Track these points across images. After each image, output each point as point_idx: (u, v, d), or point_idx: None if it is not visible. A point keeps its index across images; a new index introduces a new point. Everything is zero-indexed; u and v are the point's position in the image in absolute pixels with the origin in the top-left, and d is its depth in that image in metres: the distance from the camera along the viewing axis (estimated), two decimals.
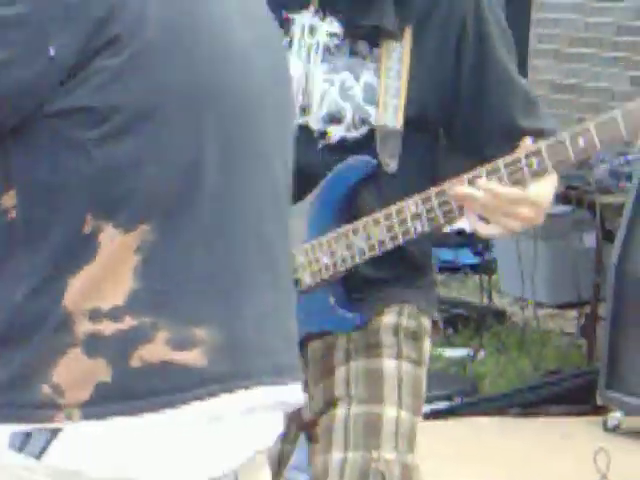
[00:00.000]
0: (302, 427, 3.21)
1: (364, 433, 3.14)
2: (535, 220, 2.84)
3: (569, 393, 6.38)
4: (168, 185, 1.73)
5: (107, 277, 1.74)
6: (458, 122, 3.05)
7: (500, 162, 2.79)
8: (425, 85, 3.05)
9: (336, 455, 3.11)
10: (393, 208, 2.93)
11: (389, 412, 3.16)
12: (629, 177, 6.34)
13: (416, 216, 2.91)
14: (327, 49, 3.11)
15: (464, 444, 5.70)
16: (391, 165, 3.03)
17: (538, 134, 2.84)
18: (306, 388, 2.87)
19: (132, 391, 1.71)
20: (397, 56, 3.15)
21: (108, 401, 1.71)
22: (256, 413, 1.91)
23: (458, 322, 7.16)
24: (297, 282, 3.09)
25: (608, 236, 6.43)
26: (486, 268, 7.44)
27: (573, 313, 7.40)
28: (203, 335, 1.78)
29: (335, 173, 3.06)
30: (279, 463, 3.23)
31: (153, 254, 1.76)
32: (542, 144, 2.74)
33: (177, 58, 1.78)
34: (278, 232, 2.01)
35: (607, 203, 6.50)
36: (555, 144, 2.76)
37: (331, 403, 3.13)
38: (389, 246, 2.98)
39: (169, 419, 1.78)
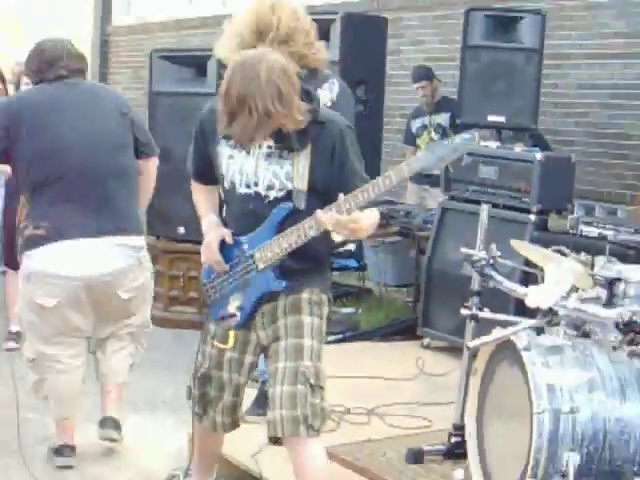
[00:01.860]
0: (261, 350, 4.34)
1: (294, 352, 4.10)
2: (360, 231, 3.93)
3: (404, 329, 8.05)
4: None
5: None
6: (331, 188, 4.04)
7: (346, 197, 3.87)
8: (316, 171, 4.10)
9: (280, 364, 4.10)
10: (299, 224, 3.97)
11: (307, 342, 4.12)
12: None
13: (309, 227, 3.90)
14: (267, 154, 4.12)
15: (345, 358, 6.73)
16: (301, 206, 4.08)
17: None
18: (263, 330, 4.21)
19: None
20: (303, 157, 4.08)
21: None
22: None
23: (349, 295, 9.10)
24: (256, 266, 4.14)
25: (422, 252, 8.08)
26: (362, 267, 9.23)
27: (406, 289, 9.17)
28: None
29: (275, 212, 4.08)
30: (250, 368, 4.37)
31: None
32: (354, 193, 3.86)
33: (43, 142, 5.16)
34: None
35: (422, 235, 8.20)
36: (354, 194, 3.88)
37: (277, 338, 4.18)
38: (299, 243, 4.01)
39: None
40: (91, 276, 5.25)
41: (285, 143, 4.02)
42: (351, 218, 3.77)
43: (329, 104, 5.11)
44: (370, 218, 3.92)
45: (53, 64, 5.29)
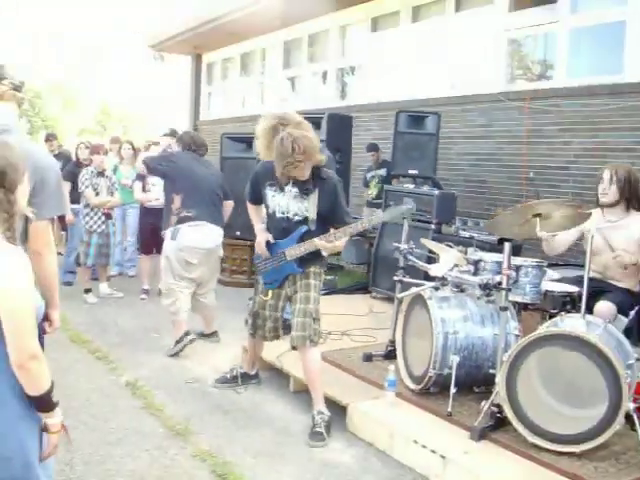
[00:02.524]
0: (288, 299, 4.26)
1: (305, 300, 4.09)
2: (335, 250, 4.06)
3: (362, 288, 7.78)
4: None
5: None
6: (329, 217, 4.05)
7: (331, 232, 4.01)
8: (320, 207, 4.01)
9: (297, 306, 4.11)
10: (309, 240, 4.01)
11: (312, 294, 4.11)
12: None
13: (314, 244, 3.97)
14: (294, 195, 4.05)
15: (329, 304, 6.13)
16: (312, 228, 4.03)
17: (347, 225, 4.02)
18: (289, 288, 4.20)
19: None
20: (313, 198, 4.01)
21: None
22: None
23: (331, 268, 7.67)
24: (286, 258, 4.11)
25: (372, 245, 7.71)
26: (338, 253, 7.39)
27: (363, 265, 8.70)
28: None
29: (298, 229, 4.07)
30: (282, 308, 4.32)
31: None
32: (342, 229, 3.98)
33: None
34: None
35: (372, 236, 7.70)
36: (344, 229, 3.99)
37: (295, 291, 4.16)
38: (309, 250, 4.04)
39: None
40: (210, 247, 5.56)
41: (303, 190, 4.04)
42: (333, 244, 3.96)
43: None
44: (341, 243, 4.00)
45: (198, 145, 5.86)
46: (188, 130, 6.27)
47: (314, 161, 3.94)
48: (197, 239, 5.43)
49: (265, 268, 4.28)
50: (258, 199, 4.30)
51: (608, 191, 4.30)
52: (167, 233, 5.55)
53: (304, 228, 4.05)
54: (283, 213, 4.10)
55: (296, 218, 4.07)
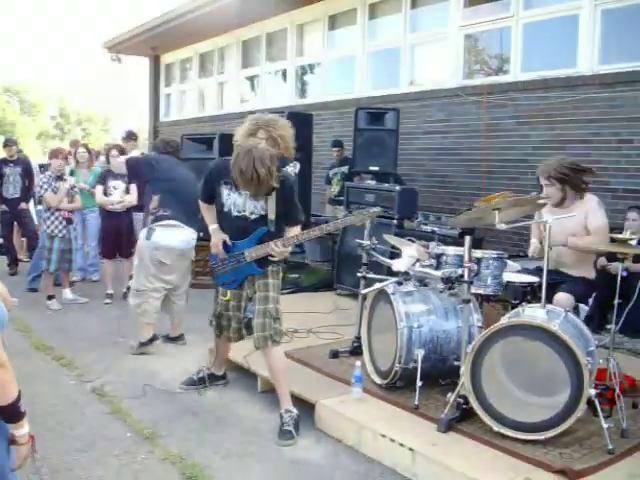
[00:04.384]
0: (248, 299, 4.25)
1: (264, 300, 4.07)
2: (283, 255, 4.06)
3: (326, 285, 7.72)
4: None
5: None
6: (284, 217, 4.06)
7: (292, 236, 4.08)
8: (278, 206, 4.02)
9: (257, 307, 4.09)
10: (267, 243, 4.01)
11: (270, 295, 4.08)
12: None
13: (270, 247, 3.98)
14: (250, 196, 4.00)
15: (294, 302, 6.52)
16: (272, 229, 4.05)
17: (299, 223, 4.15)
18: (249, 289, 4.17)
19: None
20: (272, 199, 4.00)
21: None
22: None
23: (295, 267, 8.33)
24: (245, 259, 4.08)
25: (335, 242, 7.61)
26: (303, 251, 8.89)
27: (327, 263, 8.53)
28: None
29: (257, 230, 4.07)
30: (244, 308, 4.30)
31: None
32: (306, 231, 4.09)
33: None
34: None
35: (335, 233, 7.07)
36: (308, 231, 4.08)
37: (254, 291, 4.15)
38: (267, 253, 4.02)
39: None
40: (183, 248, 5.60)
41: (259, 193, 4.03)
42: (284, 249, 4.02)
43: (293, 175, 5.17)
44: (288, 250, 4.08)
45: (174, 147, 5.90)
46: (162, 137, 6.42)
47: (274, 173, 3.90)
48: (171, 239, 5.43)
49: (223, 269, 4.26)
50: (211, 198, 4.26)
51: (551, 194, 4.41)
52: (141, 233, 5.55)
53: (263, 229, 4.04)
54: (239, 212, 4.08)
55: (252, 217, 4.06)
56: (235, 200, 4.10)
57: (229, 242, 4.18)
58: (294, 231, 4.10)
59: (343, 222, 4.58)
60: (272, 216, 4.02)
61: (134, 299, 5.55)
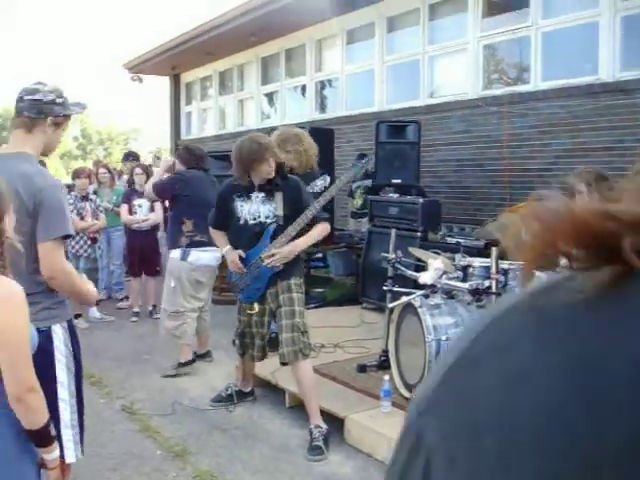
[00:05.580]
0: (272, 314, 4.25)
1: (290, 314, 4.09)
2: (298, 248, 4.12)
3: (351, 299, 7.58)
4: None
5: None
6: (297, 213, 4.10)
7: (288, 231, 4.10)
8: (287, 202, 4.10)
9: (283, 322, 4.09)
10: (276, 245, 4.09)
11: (297, 308, 4.09)
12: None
13: (280, 244, 4.08)
14: (261, 200, 4.14)
15: (320, 316, 6.40)
16: (281, 223, 4.11)
17: (322, 221, 4.18)
18: (272, 303, 4.18)
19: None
20: (279, 196, 4.10)
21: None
22: None
23: (320, 281, 8.33)
24: (263, 262, 4.10)
25: (359, 256, 7.69)
26: (326, 265, 8.83)
27: (351, 276, 8.32)
28: None
29: (267, 229, 4.14)
30: (268, 324, 4.32)
31: None
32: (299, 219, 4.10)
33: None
34: None
35: (359, 247, 7.82)
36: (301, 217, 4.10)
37: (279, 306, 4.13)
38: (283, 243, 4.08)
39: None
40: (215, 266, 5.64)
41: (269, 192, 4.14)
42: (291, 249, 4.12)
43: (323, 188, 5.16)
44: (296, 250, 4.16)
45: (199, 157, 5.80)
46: (185, 144, 6.16)
47: (276, 158, 4.07)
48: (207, 258, 5.46)
49: (244, 282, 4.26)
50: (222, 224, 4.33)
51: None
52: (174, 253, 5.50)
53: (273, 226, 4.11)
54: (255, 219, 4.13)
55: (268, 221, 4.12)
56: (249, 208, 4.16)
57: (243, 255, 4.20)
58: (318, 228, 4.17)
59: (336, 186, 4.50)
60: (280, 212, 4.09)
61: (172, 321, 5.50)
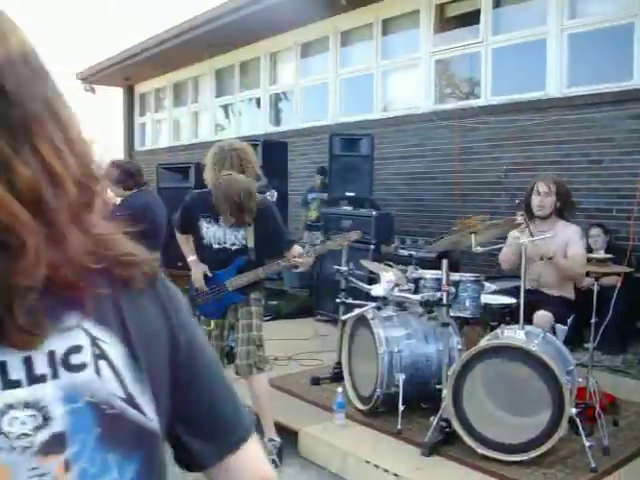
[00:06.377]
0: (230, 327, 4.11)
1: (247, 327, 4.01)
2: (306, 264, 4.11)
3: (306, 311, 7.66)
4: None
5: None
6: (268, 245, 4.03)
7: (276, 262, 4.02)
8: (259, 234, 3.97)
9: (240, 334, 4.01)
10: (247, 273, 3.96)
11: (254, 322, 4.01)
12: None
13: (250, 276, 3.95)
14: (230, 226, 3.93)
15: (274, 329, 6.25)
16: (252, 257, 3.99)
17: (293, 243, 4.12)
18: (231, 318, 4.04)
19: None
20: (251, 228, 3.97)
21: None
22: None
23: (274, 293, 7.94)
24: (227, 289, 4.00)
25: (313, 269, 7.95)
26: (281, 278, 8.64)
27: (306, 289, 8.41)
28: None
29: (237, 260, 4.00)
30: (226, 337, 4.18)
31: None
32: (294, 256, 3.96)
33: None
34: None
35: None
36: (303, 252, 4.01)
37: (237, 319, 4.03)
38: (252, 280, 3.99)
39: None
40: None
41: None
42: (308, 259, 4.06)
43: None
44: (311, 259, 4.12)
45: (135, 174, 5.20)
46: (114, 162, 5.07)
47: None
48: None
49: (205, 300, 4.20)
50: (187, 228, 4.21)
51: (544, 204, 4.42)
52: None
53: (243, 258, 3.99)
54: (220, 244, 4.01)
55: (234, 247, 4.00)
56: (215, 232, 4.02)
57: (209, 274, 4.13)
58: (296, 250, 4.03)
59: (328, 246, 4.46)
60: (251, 244, 3.96)
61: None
